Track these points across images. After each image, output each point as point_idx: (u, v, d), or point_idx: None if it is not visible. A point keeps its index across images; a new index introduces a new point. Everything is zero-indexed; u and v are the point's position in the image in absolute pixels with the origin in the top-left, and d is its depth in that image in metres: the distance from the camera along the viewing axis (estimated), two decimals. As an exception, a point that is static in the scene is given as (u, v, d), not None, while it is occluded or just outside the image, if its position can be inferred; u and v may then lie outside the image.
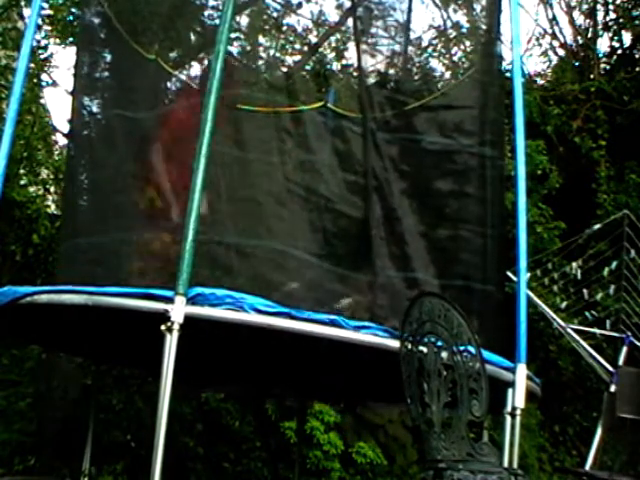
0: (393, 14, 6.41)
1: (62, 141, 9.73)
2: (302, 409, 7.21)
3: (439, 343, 3.75)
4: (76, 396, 7.39)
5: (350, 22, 7.11)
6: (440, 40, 8.00)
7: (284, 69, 7.59)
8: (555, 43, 12.86)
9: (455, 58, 7.83)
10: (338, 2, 7.47)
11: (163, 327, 3.63)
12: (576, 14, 12.68)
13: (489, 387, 3.60)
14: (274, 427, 7.71)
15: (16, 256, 8.05)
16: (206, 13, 6.66)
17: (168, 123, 5.26)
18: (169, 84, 6.16)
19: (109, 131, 5.46)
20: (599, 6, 12.55)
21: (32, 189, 8.88)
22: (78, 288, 4.00)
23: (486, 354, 3.82)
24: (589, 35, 12.50)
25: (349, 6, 7.05)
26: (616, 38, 12.22)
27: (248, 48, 7.34)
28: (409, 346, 3.91)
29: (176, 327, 3.63)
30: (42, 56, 9.12)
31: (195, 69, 6.54)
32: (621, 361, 7.25)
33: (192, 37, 6.61)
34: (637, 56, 11.94)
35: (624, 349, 7.35)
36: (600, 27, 12.41)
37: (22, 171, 8.60)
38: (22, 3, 9.10)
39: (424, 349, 3.81)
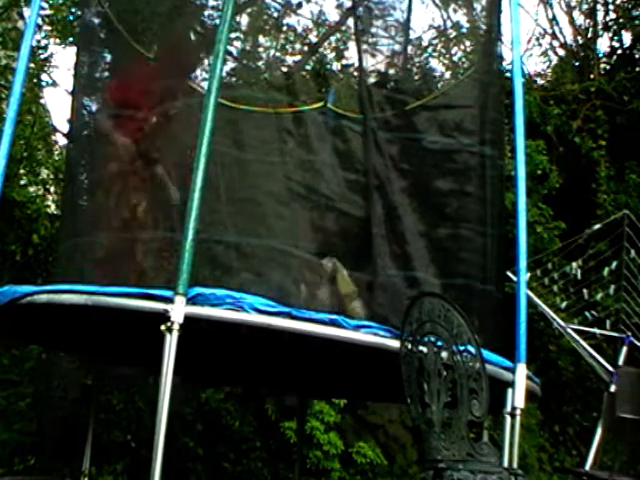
0: (393, 14, 6.42)
1: (62, 141, 9.74)
2: (302, 409, 7.21)
3: (439, 343, 3.75)
4: (76, 396, 7.39)
5: (350, 22, 7.12)
6: (440, 40, 8.00)
7: (284, 69, 7.60)
8: (555, 43, 12.88)
9: (455, 58, 7.83)
10: (338, 2, 7.48)
11: (163, 327, 3.63)
12: (576, 14, 12.69)
13: (489, 387, 3.61)
14: (274, 427, 7.71)
15: (16, 256, 8.05)
16: (206, 13, 6.66)
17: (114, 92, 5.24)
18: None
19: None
20: (599, 6, 12.55)
21: (32, 189, 8.87)
22: (78, 288, 4.00)
23: (486, 354, 3.82)
24: (589, 35, 12.50)
25: (349, 6, 7.05)
26: (616, 38, 12.22)
27: (248, 48, 7.35)
28: (409, 346, 3.91)
29: (176, 327, 3.63)
30: (42, 56, 9.12)
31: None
32: (621, 361, 7.24)
33: (192, 37, 6.61)
34: (637, 56, 11.94)
35: (624, 349, 7.34)
36: (600, 27, 12.41)
37: (22, 171, 8.59)
38: (22, 3, 9.10)
39: (424, 349, 3.81)
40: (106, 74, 5.84)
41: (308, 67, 7.94)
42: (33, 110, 8.87)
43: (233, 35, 6.89)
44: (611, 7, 12.47)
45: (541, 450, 8.69)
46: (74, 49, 7.02)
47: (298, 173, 5.49)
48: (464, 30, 7.37)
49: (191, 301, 3.75)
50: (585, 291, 7.90)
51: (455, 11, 7.69)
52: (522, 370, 4.43)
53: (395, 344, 4.04)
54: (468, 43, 7.49)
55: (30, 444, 7.03)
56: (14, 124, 4.63)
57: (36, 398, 7.45)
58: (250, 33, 7.48)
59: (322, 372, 5.63)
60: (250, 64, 7.24)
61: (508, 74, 5.98)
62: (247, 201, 5.41)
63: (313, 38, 8.29)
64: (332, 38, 8.20)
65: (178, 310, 3.66)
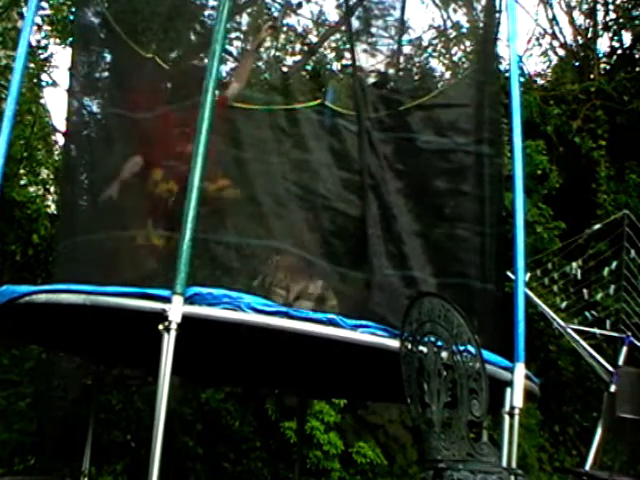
0: (393, 13, 6.41)
1: (62, 141, 9.74)
2: (302, 409, 7.21)
3: (439, 343, 3.75)
4: (76, 396, 7.39)
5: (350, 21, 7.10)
6: (439, 40, 8.00)
7: (284, 69, 7.60)
8: (555, 43, 12.88)
9: (455, 58, 7.83)
10: (338, 2, 7.47)
11: (161, 327, 3.62)
12: (576, 14, 12.69)
13: (488, 387, 3.60)
14: (274, 427, 7.71)
15: (16, 256, 8.05)
16: (206, 13, 6.66)
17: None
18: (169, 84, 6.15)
19: (108, 131, 5.46)
20: (599, 6, 12.55)
21: (32, 189, 8.88)
22: (76, 288, 4.00)
23: (485, 354, 3.81)
24: (589, 35, 12.50)
25: (347, 6, 7.04)
26: (616, 38, 12.22)
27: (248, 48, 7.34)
28: (409, 346, 3.91)
29: (174, 327, 3.63)
30: (42, 56, 9.13)
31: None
32: (621, 361, 7.24)
33: (192, 37, 6.61)
34: (637, 56, 11.94)
35: (624, 349, 7.34)
36: (600, 27, 12.41)
37: (22, 171, 8.59)
38: (22, 3, 9.10)
39: (424, 349, 3.81)
40: (105, 74, 5.84)
41: (308, 67, 7.94)
42: (33, 110, 8.87)
43: (233, 35, 6.89)
44: (611, 7, 12.47)
45: (541, 450, 8.69)
46: (72, 49, 7.00)
47: (294, 172, 5.48)
48: (464, 30, 7.37)
49: (189, 301, 3.75)
50: (585, 291, 7.90)
51: (455, 11, 7.69)
52: (520, 370, 4.42)
53: (393, 343, 4.03)
54: (468, 43, 7.49)
55: (30, 444, 7.03)
56: (12, 123, 4.63)
57: (36, 398, 7.45)
58: (250, 33, 7.48)
59: (321, 372, 5.62)
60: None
61: (507, 74, 5.97)
62: (244, 200, 5.40)
63: (313, 38, 8.29)
64: (332, 38, 8.20)
65: (176, 309, 3.66)
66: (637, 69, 11.49)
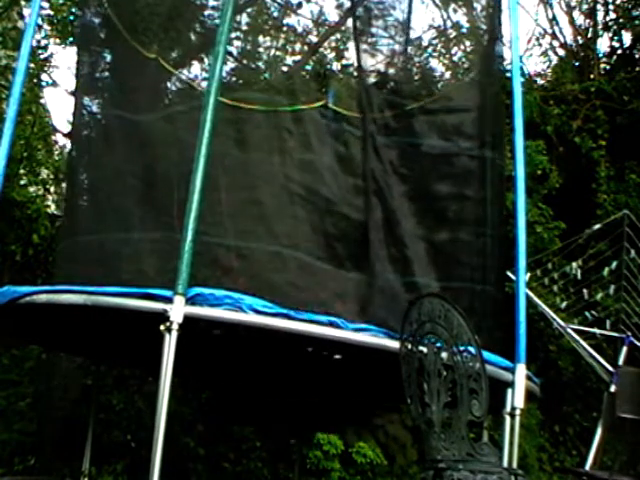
0: (393, 13, 6.41)
1: (62, 141, 9.75)
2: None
3: (439, 343, 3.75)
4: (76, 396, 7.39)
5: (350, 22, 7.11)
6: (440, 40, 7.99)
7: (284, 69, 7.59)
8: (555, 43, 12.86)
9: (455, 58, 7.83)
10: (338, 2, 7.47)
11: (162, 327, 3.63)
12: (576, 14, 12.67)
13: (489, 387, 3.60)
14: (274, 429, 7.70)
15: (16, 256, 8.05)
16: (206, 13, 6.66)
17: None
18: (169, 84, 6.16)
19: (109, 131, 5.46)
20: (599, 6, 12.53)
21: (32, 189, 8.88)
22: (77, 288, 4.00)
23: (485, 354, 3.81)
24: (589, 35, 12.49)
25: (349, 6, 7.05)
26: (616, 38, 12.20)
27: (248, 48, 7.35)
28: (409, 346, 3.91)
29: (175, 327, 3.63)
30: (42, 56, 9.13)
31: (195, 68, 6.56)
32: (621, 361, 7.23)
33: (192, 37, 6.61)
34: (637, 56, 11.93)
35: (624, 349, 7.34)
36: (600, 27, 12.39)
37: (22, 171, 8.60)
38: (22, 3, 9.10)
39: (424, 349, 3.81)
40: (106, 74, 5.84)
41: (308, 67, 7.93)
42: (33, 110, 8.88)
43: (233, 35, 6.89)
44: (611, 7, 12.45)
45: (541, 450, 8.68)
46: (74, 49, 7.02)
47: (298, 175, 5.49)
48: (464, 30, 7.36)
49: (190, 301, 3.75)
50: (585, 291, 7.89)
51: (455, 11, 7.69)
52: (521, 370, 4.43)
53: (394, 345, 4.04)
54: (468, 43, 7.48)
55: (30, 444, 7.03)
56: (14, 124, 4.63)
57: (36, 398, 7.45)
58: (250, 33, 7.48)
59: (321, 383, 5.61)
60: (250, 64, 7.24)
61: (508, 74, 5.97)
62: (248, 202, 5.41)
63: (313, 38, 8.28)
64: (332, 38, 8.19)
65: (177, 310, 3.66)
66: (637, 69, 11.48)
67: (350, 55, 7.36)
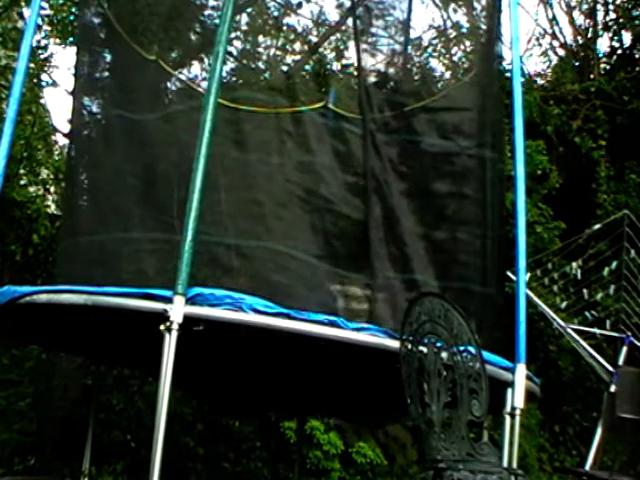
0: (393, 13, 6.41)
1: (62, 141, 9.75)
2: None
3: (439, 343, 3.74)
4: (76, 396, 7.40)
5: (350, 22, 7.11)
6: (440, 40, 7.99)
7: (284, 69, 7.59)
8: (555, 43, 12.88)
9: (455, 58, 7.83)
10: (338, 2, 7.47)
11: (162, 327, 3.63)
12: (576, 14, 12.69)
13: (489, 387, 3.60)
14: (274, 427, 7.71)
15: (16, 256, 8.06)
16: (206, 13, 6.66)
17: None
18: (169, 84, 6.16)
19: (109, 131, 5.46)
20: (599, 6, 12.55)
21: (32, 189, 8.89)
22: (77, 288, 4.00)
23: (485, 354, 3.81)
24: (589, 35, 12.50)
25: (349, 6, 7.05)
26: (616, 38, 12.22)
27: (248, 47, 7.35)
28: (409, 346, 3.91)
29: (175, 327, 3.63)
30: (42, 56, 9.14)
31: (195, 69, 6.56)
32: (621, 361, 7.23)
33: (192, 37, 6.61)
34: (637, 56, 11.94)
35: (624, 349, 7.34)
36: (600, 27, 12.40)
37: (22, 171, 8.60)
38: (22, 3, 9.11)
39: (424, 349, 3.81)
40: (106, 74, 5.84)
41: (308, 67, 7.93)
42: (33, 110, 8.88)
43: (233, 35, 6.89)
44: (611, 7, 12.47)
45: (541, 450, 8.69)
46: (74, 49, 7.02)
47: (297, 175, 5.49)
48: (464, 30, 7.36)
49: (190, 301, 3.75)
50: (585, 291, 7.90)
51: (455, 11, 7.68)
52: (522, 370, 4.43)
53: (394, 344, 4.03)
54: (468, 43, 7.48)
55: (30, 444, 7.04)
56: (14, 124, 4.63)
57: (36, 398, 7.46)
58: (250, 33, 7.48)
59: (321, 383, 5.61)
60: (250, 64, 7.24)
61: (508, 74, 5.97)
62: (247, 202, 5.41)
63: (313, 38, 8.28)
64: (332, 38, 8.19)
65: (177, 310, 3.66)
66: (637, 69, 11.49)
67: (350, 55, 7.37)
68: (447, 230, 5.46)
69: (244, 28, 7.47)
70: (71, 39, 8.94)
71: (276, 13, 8.24)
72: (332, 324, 4.06)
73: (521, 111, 4.90)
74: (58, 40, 9.26)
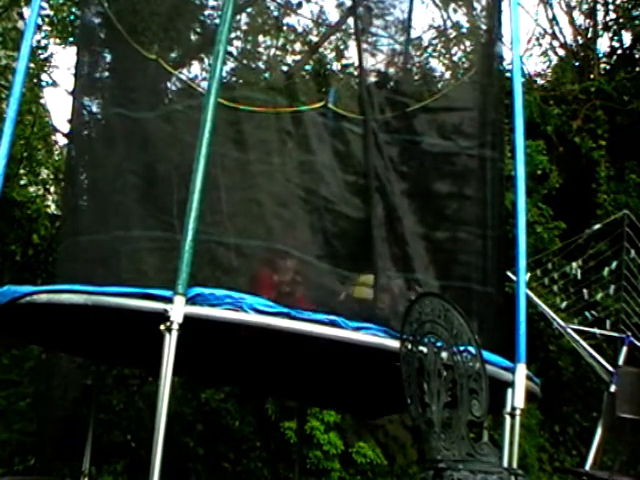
0: (393, 13, 6.41)
1: (62, 141, 9.75)
2: (302, 409, 7.21)
3: (439, 343, 3.75)
4: (76, 396, 7.40)
5: (350, 21, 7.11)
6: (440, 40, 8.00)
7: (284, 69, 7.60)
8: (555, 43, 12.88)
9: (455, 58, 7.83)
10: (338, 2, 7.47)
11: (162, 327, 3.63)
12: (576, 14, 12.69)
13: (489, 387, 3.60)
14: (274, 427, 7.71)
15: (16, 256, 8.06)
16: (206, 13, 6.66)
17: None
18: (169, 84, 6.16)
19: (109, 131, 5.46)
20: (599, 6, 12.55)
21: (32, 189, 8.89)
22: (77, 288, 4.00)
23: (486, 354, 3.81)
24: (589, 35, 12.50)
25: (349, 5, 7.05)
26: (616, 38, 12.22)
27: (248, 47, 7.36)
28: (409, 346, 3.91)
29: (175, 327, 3.63)
30: (42, 56, 9.14)
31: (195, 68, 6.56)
32: (621, 361, 7.23)
33: (192, 37, 6.61)
34: (637, 56, 11.94)
35: (624, 349, 7.33)
36: (600, 27, 12.41)
37: (22, 171, 8.61)
38: (22, 3, 9.11)
39: (424, 349, 3.81)
40: (106, 74, 5.84)
41: (308, 67, 7.94)
42: (33, 110, 8.89)
43: (233, 35, 6.89)
44: (611, 7, 12.47)
45: (541, 450, 8.69)
46: (74, 49, 7.02)
47: (298, 175, 5.49)
48: (464, 30, 7.37)
49: (190, 301, 3.75)
50: (585, 291, 7.89)
51: (455, 11, 7.69)
52: (522, 370, 4.42)
53: (394, 344, 4.04)
54: (468, 43, 7.49)
55: (30, 444, 7.04)
56: (14, 124, 4.63)
57: (36, 398, 7.46)
58: (250, 33, 7.48)
59: (321, 380, 5.61)
60: (250, 64, 7.24)
61: (508, 74, 5.97)
62: (248, 202, 5.41)
63: (313, 38, 8.28)
64: (332, 38, 8.20)
65: (177, 310, 3.66)
66: (637, 69, 11.49)
67: (350, 55, 7.37)
68: (448, 229, 5.46)
69: (244, 28, 7.48)
70: (71, 39, 8.94)
71: (276, 13, 8.24)
72: (332, 324, 4.06)
73: (521, 111, 4.90)
74: (58, 40, 9.26)
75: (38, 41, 8.93)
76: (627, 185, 10.21)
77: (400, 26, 6.46)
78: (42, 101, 9.87)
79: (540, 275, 8.16)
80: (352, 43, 6.97)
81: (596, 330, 7.79)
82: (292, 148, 5.64)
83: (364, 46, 6.35)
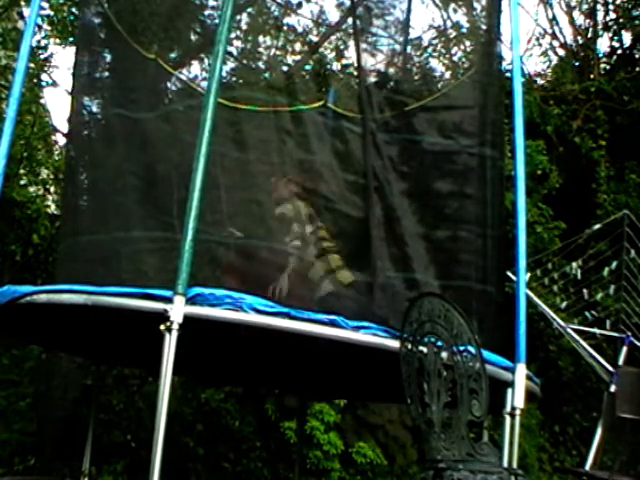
0: (393, 13, 6.42)
1: (62, 141, 9.76)
2: (302, 409, 7.21)
3: (439, 343, 3.75)
4: (76, 396, 7.40)
5: (350, 21, 7.11)
6: (440, 40, 8.00)
7: (284, 69, 7.60)
8: (555, 43, 12.89)
9: (455, 58, 7.83)
10: (338, 2, 7.47)
11: (162, 327, 3.63)
12: (576, 14, 12.70)
13: (489, 387, 3.60)
14: (274, 427, 7.71)
15: (16, 256, 8.06)
16: (206, 13, 6.66)
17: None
18: (169, 84, 6.16)
19: (109, 131, 5.46)
20: (599, 6, 12.56)
21: (32, 189, 8.89)
22: (77, 288, 4.00)
23: (486, 354, 3.81)
24: (589, 35, 12.51)
25: (349, 5, 7.05)
26: (616, 38, 12.23)
27: (248, 47, 7.36)
28: (409, 346, 3.91)
29: (175, 327, 3.63)
30: (42, 56, 9.14)
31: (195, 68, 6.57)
32: (621, 361, 7.23)
33: (192, 37, 6.61)
34: (637, 56, 11.94)
35: (624, 349, 7.33)
36: (600, 27, 12.41)
37: (22, 171, 8.61)
38: (22, 3, 9.11)
39: (424, 349, 3.81)
40: (106, 74, 5.84)
41: (308, 67, 7.94)
42: (33, 110, 8.89)
43: (233, 35, 6.89)
44: (611, 7, 12.48)
45: (541, 450, 8.69)
46: (74, 49, 7.02)
47: (297, 174, 5.49)
48: (464, 30, 7.37)
49: (190, 301, 3.75)
50: (585, 291, 7.90)
51: (455, 11, 7.69)
52: (522, 370, 4.42)
53: (394, 344, 4.04)
54: (468, 43, 7.49)
55: (30, 444, 7.04)
56: (14, 124, 4.63)
57: (36, 398, 7.46)
58: (250, 33, 7.49)
59: (321, 373, 5.62)
60: (250, 64, 7.25)
61: (508, 74, 5.97)
62: (248, 201, 5.41)
63: (313, 38, 8.29)
64: (332, 38, 8.20)
65: (177, 310, 3.66)
66: (637, 69, 11.49)
67: (350, 55, 7.37)
68: (448, 229, 5.45)
69: (244, 28, 7.49)
70: (71, 39, 8.94)
71: (276, 13, 8.25)
72: (332, 323, 4.06)
73: (521, 111, 4.90)
74: (58, 40, 9.26)
75: (38, 41, 8.93)
76: (627, 185, 10.21)
77: (400, 26, 6.47)
78: (42, 101, 9.88)
79: (540, 275, 8.16)
80: (352, 43, 6.96)
81: (596, 330, 7.79)
82: (292, 147, 5.64)
83: (364, 46, 6.35)
